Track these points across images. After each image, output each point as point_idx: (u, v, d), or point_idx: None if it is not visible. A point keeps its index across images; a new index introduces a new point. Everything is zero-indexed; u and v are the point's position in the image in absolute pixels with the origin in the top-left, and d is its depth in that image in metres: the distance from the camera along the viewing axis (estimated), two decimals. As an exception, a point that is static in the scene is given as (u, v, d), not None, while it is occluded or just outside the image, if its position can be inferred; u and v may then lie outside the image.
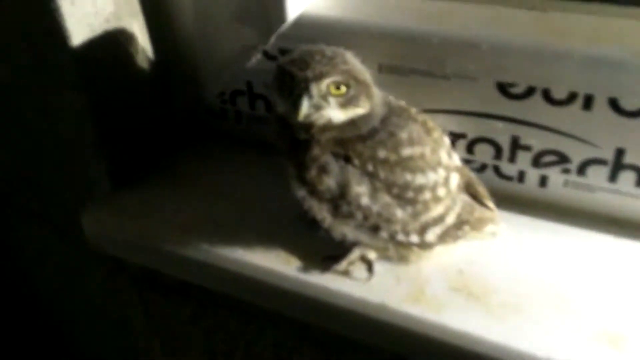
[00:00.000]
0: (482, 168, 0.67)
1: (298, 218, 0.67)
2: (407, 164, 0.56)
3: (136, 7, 0.70)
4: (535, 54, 0.56)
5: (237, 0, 0.66)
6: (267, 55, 0.68)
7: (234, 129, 0.80)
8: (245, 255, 0.65)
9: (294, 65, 0.55)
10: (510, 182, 0.66)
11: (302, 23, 0.64)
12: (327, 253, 0.63)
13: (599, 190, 0.63)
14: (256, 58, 0.69)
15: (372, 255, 0.62)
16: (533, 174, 0.65)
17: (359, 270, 0.61)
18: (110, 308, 1.01)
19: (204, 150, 0.82)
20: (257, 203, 0.71)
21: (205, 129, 0.83)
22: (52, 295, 1.10)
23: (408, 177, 0.56)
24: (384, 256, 0.61)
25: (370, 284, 0.60)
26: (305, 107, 0.54)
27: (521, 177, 0.66)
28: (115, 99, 0.71)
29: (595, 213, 0.64)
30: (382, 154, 0.55)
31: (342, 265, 0.61)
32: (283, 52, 0.67)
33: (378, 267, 0.61)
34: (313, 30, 0.64)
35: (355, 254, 0.61)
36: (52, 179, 0.84)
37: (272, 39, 0.66)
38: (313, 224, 0.65)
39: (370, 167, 0.55)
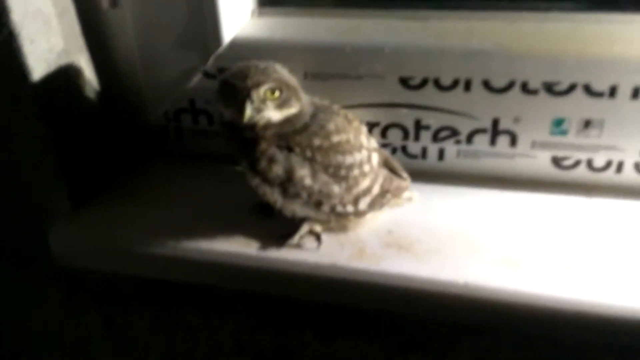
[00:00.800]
0: (393, 151, 0.82)
1: (253, 208, 0.79)
2: (337, 148, 0.69)
3: (81, 43, 0.80)
4: (426, 52, 0.72)
5: (178, 30, 0.77)
6: (207, 74, 0.80)
7: (175, 146, 0.90)
8: (208, 244, 0.74)
9: (234, 78, 0.67)
10: (415, 159, 0.82)
11: (237, 44, 0.77)
12: (281, 232, 0.75)
13: (483, 156, 0.80)
14: (197, 78, 0.80)
15: (318, 228, 0.74)
16: (433, 150, 0.81)
17: (309, 242, 0.74)
18: (68, 332, 1.05)
19: (152, 167, 0.90)
20: (210, 203, 0.81)
21: (149, 149, 0.92)
22: (7, 325, 1.12)
23: (339, 158, 0.69)
24: (328, 228, 0.74)
25: (320, 251, 0.72)
26: (248, 111, 0.65)
27: (424, 154, 0.82)
28: (71, 127, 0.79)
29: (481, 175, 0.81)
30: (316, 141, 0.68)
31: (295, 239, 0.73)
32: (221, 70, 0.79)
33: (324, 237, 0.74)
34: (246, 50, 0.76)
35: (304, 228, 0.74)
36: (10, 207, 0.89)
37: (211, 60, 0.78)
38: (266, 210, 0.77)
39: (309, 153, 0.68)
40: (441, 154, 0.81)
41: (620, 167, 0.76)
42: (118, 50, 0.81)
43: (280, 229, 0.75)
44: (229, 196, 0.82)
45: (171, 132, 0.89)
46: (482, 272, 0.68)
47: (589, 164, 0.77)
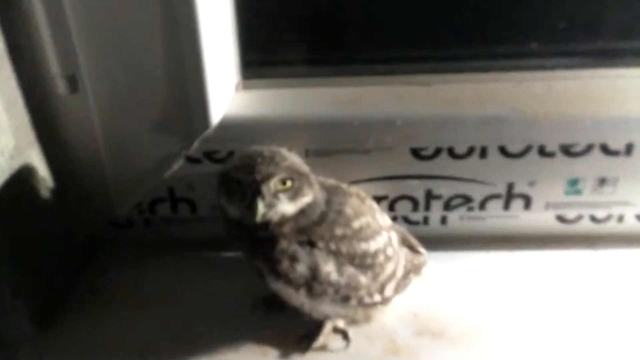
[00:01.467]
0: (394, 219, 0.76)
1: (257, 304, 0.69)
2: (360, 234, 0.62)
3: (32, 137, 0.66)
4: (439, 122, 0.67)
5: (154, 113, 0.66)
6: (190, 159, 0.70)
7: (142, 236, 0.79)
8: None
9: (239, 171, 0.59)
10: (417, 225, 0.77)
11: (226, 125, 0.67)
12: (298, 332, 0.66)
13: (487, 217, 0.77)
14: (178, 164, 0.70)
15: (341, 323, 0.67)
16: (436, 216, 0.77)
17: (335, 340, 0.66)
18: None
19: (122, 260, 0.78)
20: (203, 303, 0.71)
21: (108, 241, 0.80)
22: None
23: (364, 245, 0.62)
24: (351, 321, 0.67)
25: (350, 351, 0.65)
26: (261, 208, 0.57)
27: (426, 220, 0.77)
28: (26, 233, 0.66)
29: (486, 236, 0.78)
30: (339, 231, 0.61)
31: (320, 340, 0.65)
32: (208, 154, 0.69)
33: (350, 333, 0.66)
34: (237, 130, 0.67)
35: (328, 327, 0.66)
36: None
37: (196, 144, 0.68)
38: (274, 304, 0.68)
39: (333, 246, 0.61)
40: (444, 220, 0.77)
41: (621, 218, 0.75)
42: (77, 141, 0.69)
43: (296, 326, 0.66)
44: (224, 290, 0.73)
45: (136, 221, 0.78)
46: (535, 352, 0.64)
47: (593, 217, 0.76)
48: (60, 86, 0.64)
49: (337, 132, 0.68)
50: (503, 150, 0.69)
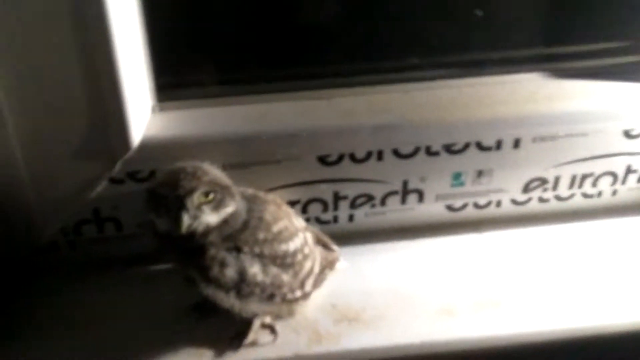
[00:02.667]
0: (306, 220, 0.84)
1: (190, 310, 0.74)
2: (279, 237, 0.69)
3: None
4: (339, 132, 0.76)
5: (75, 140, 0.69)
6: (113, 180, 0.73)
7: (68, 259, 0.81)
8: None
9: (164, 187, 0.64)
10: (327, 224, 0.85)
11: (146, 146, 0.72)
12: (229, 332, 0.72)
13: (388, 212, 0.87)
14: (102, 186, 0.73)
15: (268, 319, 0.73)
16: (344, 215, 0.86)
17: (264, 336, 0.72)
18: None
19: (43, 286, 0.79)
20: (136, 316, 0.75)
21: (31, 266, 0.81)
22: None
23: (284, 247, 0.69)
24: (276, 316, 0.74)
25: (277, 343, 0.72)
26: (185, 220, 0.62)
27: (335, 219, 0.86)
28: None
29: (388, 228, 0.88)
30: (261, 236, 0.68)
31: (250, 337, 0.71)
32: (130, 174, 0.73)
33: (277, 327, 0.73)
34: (157, 150, 0.72)
35: (256, 324, 0.72)
36: None
37: (119, 166, 0.72)
38: (206, 308, 0.73)
39: (257, 249, 0.67)
40: (351, 217, 0.86)
41: (499, 203, 0.88)
42: (-2, 169, 0.71)
43: (227, 326, 0.72)
44: (155, 303, 0.76)
45: (63, 244, 0.80)
46: (429, 326, 0.74)
47: (475, 204, 0.87)
48: (-23, 122, 0.66)
49: (249, 146, 0.75)
50: (396, 153, 0.78)
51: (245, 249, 0.66)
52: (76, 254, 0.80)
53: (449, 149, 0.79)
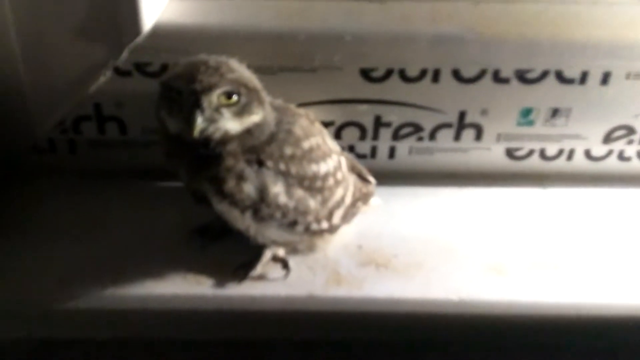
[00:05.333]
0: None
1: (192, 235, 0.64)
2: (310, 155, 0.58)
3: None
4: (392, 40, 0.63)
5: (78, 15, 0.59)
6: (119, 71, 0.63)
7: (67, 163, 0.71)
8: (143, 288, 0.59)
9: (179, 80, 0.53)
10: (364, 159, 0.73)
11: (159, 32, 0.61)
12: (235, 262, 0.62)
13: (436, 152, 0.74)
14: (106, 76, 0.63)
15: (282, 252, 0.62)
16: (383, 149, 0.73)
17: (274, 270, 0.62)
18: None
19: (39, 190, 0.71)
20: (134, 233, 0.65)
21: (30, 165, 0.72)
22: None
23: (314, 167, 0.58)
24: (292, 250, 0.63)
25: (289, 281, 0.61)
26: (199, 122, 0.52)
27: (373, 153, 0.74)
28: None
29: (434, 171, 0.75)
30: (288, 151, 0.57)
31: (257, 269, 0.61)
32: (139, 66, 0.62)
33: (290, 263, 0.62)
34: (172, 39, 0.61)
35: (267, 255, 0.62)
36: None
37: (125, 53, 0.61)
38: (210, 234, 0.64)
39: (282, 166, 0.56)
40: (392, 152, 0.73)
41: (571, 154, 0.74)
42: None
43: (233, 256, 0.62)
44: (157, 221, 0.67)
45: (60, 145, 0.70)
46: (473, 283, 0.62)
47: (542, 153, 0.73)
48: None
49: (281, 46, 0.62)
50: (456, 75, 0.65)
51: (269, 163, 0.55)
52: (76, 158, 0.71)
53: (522, 77, 0.65)
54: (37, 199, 0.70)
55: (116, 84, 0.63)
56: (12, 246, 0.63)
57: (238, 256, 0.62)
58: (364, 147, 0.72)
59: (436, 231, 0.68)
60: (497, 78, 0.65)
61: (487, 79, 0.65)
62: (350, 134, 0.70)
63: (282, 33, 0.62)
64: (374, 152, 0.73)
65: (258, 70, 0.61)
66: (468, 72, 0.65)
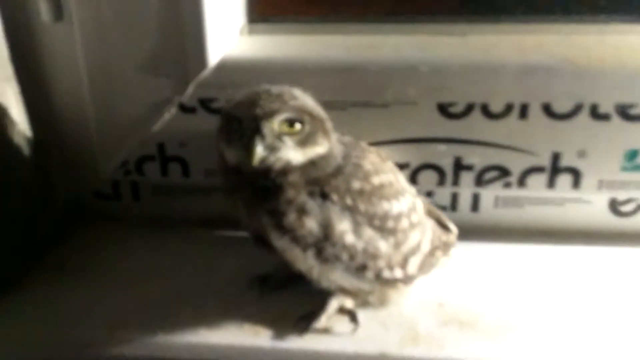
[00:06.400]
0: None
1: (252, 283, 0.59)
2: (381, 192, 0.52)
3: (9, 70, 0.58)
4: (473, 71, 0.58)
5: (144, 51, 0.58)
6: (183, 108, 0.61)
7: (129, 210, 0.69)
8: (198, 337, 0.53)
9: (240, 107, 0.50)
10: (443, 211, 0.66)
11: (226, 66, 0.59)
12: (296, 314, 0.55)
13: (526, 204, 0.66)
14: (170, 113, 0.61)
15: (349, 304, 0.55)
16: (465, 199, 0.66)
17: (341, 323, 0.54)
18: None
19: (100, 235, 0.69)
20: (193, 281, 0.60)
21: (95, 213, 0.70)
22: None
23: (385, 205, 0.52)
24: (362, 303, 0.55)
25: (358, 337, 0.53)
26: (259, 150, 0.48)
27: (454, 204, 0.66)
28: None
29: (527, 227, 0.66)
30: (356, 185, 0.51)
31: (322, 321, 0.53)
32: (204, 102, 0.60)
33: (359, 316, 0.55)
34: (238, 73, 0.58)
35: (332, 305, 0.54)
36: None
37: (190, 89, 0.59)
38: (272, 283, 0.58)
39: (349, 201, 0.50)
40: (475, 203, 0.66)
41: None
42: (59, 79, 0.61)
43: (295, 307, 0.55)
44: (217, 269, 0.62)
45: (124, 191, 0.68)
46: (579, 352, 0.51)
47: (652, 207, 0.64)
48: (44, 12, 0.57)
49: (350, 79, 0.59)
50: (548, 110, 0.58)
51: (334, 197, 0.50)
52: (139, 206, 0.69)
53: (625, 112, 0.58)
54: (96, 245, 0.67)
55: (180, 121, 0.61)
56: (64, 290, 0.60)
57: (301, 307, 0.55)
58: (444, 195, 0.66)
59: (529, 291, 0.59)
60: (596, 114, 0.58)
61: (584, 115, 0.58)
62: (427, 178, 0.63)
63: (352, 65, 0.59)
64: (454, 202, 0.66)
65: (327, 105, 0.57)
66: (561, 107, 0.58)
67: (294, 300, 0.56)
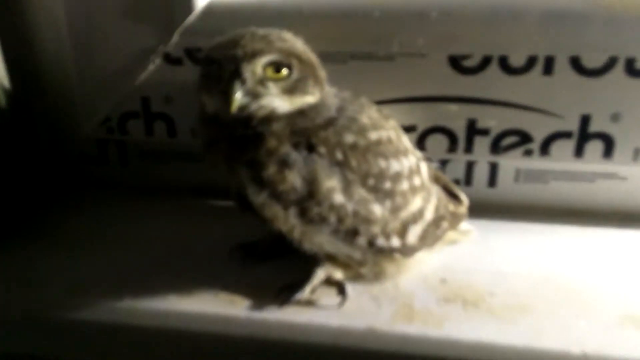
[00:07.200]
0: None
1: (235, 250, 0.53)
2: (378, 148, 0.46)
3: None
4: (490, 18, 0.51)
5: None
6: (168, 58, 0.56)
7: (117, 173, 0.65)
8: (171, 304, 0.48)
9: (220, 48, 0.44)
10: (456, 185, 0.59)
11: (215, 11, 0.54)
12: (278, 285, 0.49)
13: (551, 179, 0.58)
14: (155, 64, 0.56)
15: (339, 275, 0.49)
16: (482, 172, 0.59)
17: (327, 296, 0.48)
18: None
19: (83, 200, 0.65)
20: (172, 247, 0.56)
21: (79, 176, 0.66)
22: None
23: (382, 163, 0.45)
24: (354, 275, 0.49)
25: (346, 310, 0.47)
26: (238, 95, 0.42)
27: (469, 177, 0.59)
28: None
29: (548, 206, 0.59)
30: (349, 138, 0.45)
31: (306, 291, 0.47)
32: (190, 52, 0.55)
33: (349, 289, 0.48)
34: (228, 19, 0.53)
35: (319, 276, 0.48)
36: None
37: (176, 37, 0.54)
38: (256, 251, 0.53)
39: (339, 155, 0.44)
40: (493, 177, 0.59)
41: None
42: (38, 30, 0.57)
43: (280, 278, 0.50)
44: (200, 238, 0.58)
45: (112, 152, 0.64)
46: (602, 337, 0.44)
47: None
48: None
49: (351, 26, 0.53)
50: (576, 64, 0.51)
51: (322, 149, 0.44)
52: (127, 171, 0.64)
53: (667, 67, 0.50)
54: (79, 210, 0.64)
55: (166, 74, 0.56)
56: (37, 254, 0.55)
57: (285, 278, 0.49)
58: (457, 166, 0.59)
59: (550, 271, 0.52)
60: (632, 70, 0.51)
61: (619, 71, 0.51)
62: (437, 143, 0.57)
63: (352, 10, 0.52)
64: (469, 175, 0.59)
65: (325, 57, 0.51)
66: (592, 61, 0.51)
67: (278, 271, 0.51)
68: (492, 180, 0.59)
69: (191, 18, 0.54)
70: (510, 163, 0.58)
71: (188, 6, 0.53)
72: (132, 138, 0.61)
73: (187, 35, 0.55)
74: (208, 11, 0.54)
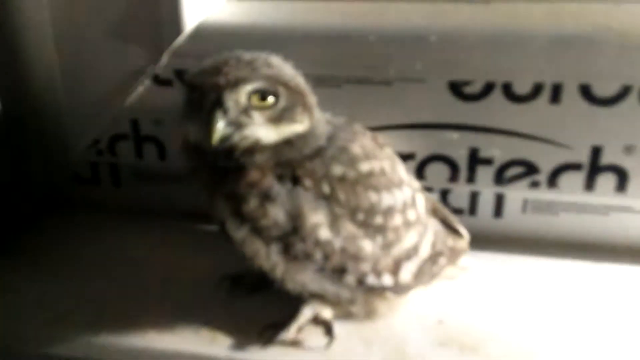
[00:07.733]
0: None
1: (222, 282, 0.51)
2: (368, 180, 0.43)
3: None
4: (493, 42, 0.48)
5: (116, 13, 0.52)
6: (158, 80, 0.54)
7: (109, 196, 0.63)
8: (147, 341, 0.46)
9: (202, 75, 0.42)
10: (460, 215, 0.56)
11: (204, 33, 0.52)
12: (266, 322, 0.46)
13: (561, 210, 0.55)
14: (144, 86, 0.54)
15: (327, 313, 0.46)
16: (487, 201, 0.56)
17: (314, 336, 0.45)
18: None
19: (72, 223, 0.63)
20: (156, 276, 0.53)
21: (70, 199, 0.64)
22: None
23: (373, 197, 0.43)
24: (344, 314, 0.46)
25: (333, 353, 0.44)
26: (220, 126, 0.40)
27: (473, 207, 0.56)
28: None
29: (557, 239, 0.56)
30: (337, 170, 0.42)
31: (291, 331, 0.45)
32: (180, 74, 0.53)
33: (338, 329, 0.46)
34: (218, 41, 0.51)
35: (305, 315, 0.46)
36: None
37: (165, 58, 0.53)
38: (244, 284, 0.50)
39: (326, 188, 0.42)
40: (499, 208, 0.56)
41: None
42: (27, 52, 0.56)
43: (267, 312, 0.47)
44: (187, 265, 0.55)
45: (104, 174, 0.62)
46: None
47: None
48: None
49: (346, 50, 0.50)
50: (586, 92, 0.48)
51: (307, 182, 0.41)
52: (120, 193, 0.62)
53: (685, 97, 0.47)
54: (67, 233, 0.62)
55: (155, 96, 0.55)
56: (19, 280, 0.53)
57: (272, 314, 0.46)
58: (460, 195, 0.56)
59: (559, 311, 0.49)
60: (647, 99, 0.47)
61: (632, 100, 0.48)
62: (437, 172, 0.54)
63: (348, 34, 0.50)
64: (473, 204, 0.56)
65: (318, 81, 0.49)
66: (603, 89, 0.48)
67: (265, 305, 0.48)
68: (498, 211, 0.56)
69: (180, 39, 0.52)
70: (518, 194, 0.55)
71: (177, 27, 0.51)
72: (123, 160, 0.59)
73: (176, 57, 0.53)
74: (198, 32, 0.52)
